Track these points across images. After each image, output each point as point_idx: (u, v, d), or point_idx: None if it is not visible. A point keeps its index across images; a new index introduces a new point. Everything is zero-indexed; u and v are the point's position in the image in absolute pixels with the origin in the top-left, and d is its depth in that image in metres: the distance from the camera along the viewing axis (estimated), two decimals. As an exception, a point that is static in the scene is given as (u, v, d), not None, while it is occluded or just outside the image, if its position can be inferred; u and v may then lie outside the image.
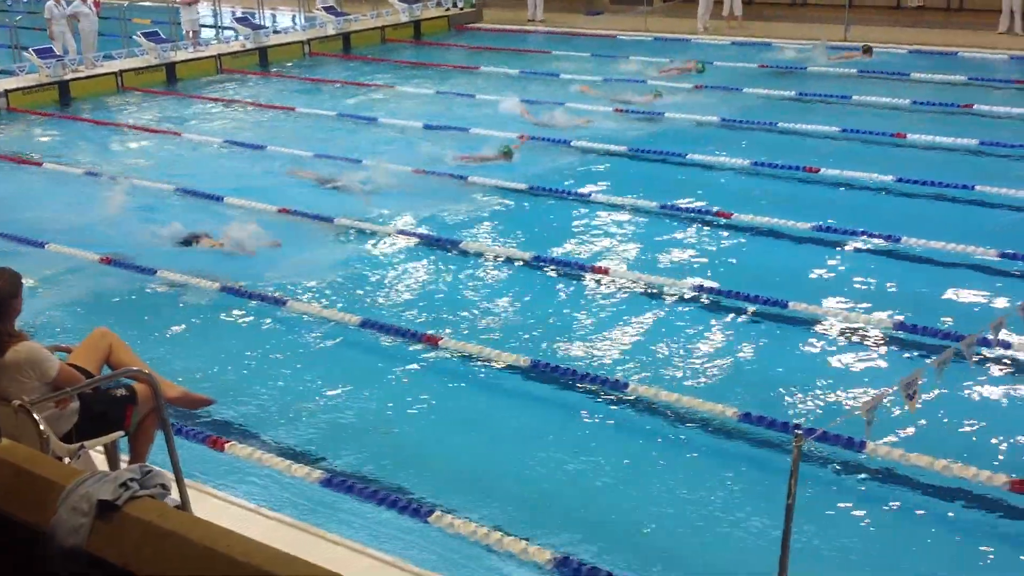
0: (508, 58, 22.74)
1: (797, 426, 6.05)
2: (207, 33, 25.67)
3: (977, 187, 12.25)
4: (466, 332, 9.04)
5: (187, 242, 11.24)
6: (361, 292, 10.06)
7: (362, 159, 14.54)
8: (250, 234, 11.03)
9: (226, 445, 7.18)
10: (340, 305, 9.69)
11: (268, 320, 9.56)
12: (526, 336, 9.00)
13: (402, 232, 11.57)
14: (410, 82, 20.41)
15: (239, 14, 25.86)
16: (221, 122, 17.83)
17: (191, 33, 23.41)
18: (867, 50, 20.26)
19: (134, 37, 21.71)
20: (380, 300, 9.88)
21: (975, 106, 16.35)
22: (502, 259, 10.78)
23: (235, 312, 9.73)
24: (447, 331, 9.01)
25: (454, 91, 19.29)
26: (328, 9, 24.85)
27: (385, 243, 11.43)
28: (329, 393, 8.19)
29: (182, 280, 10.39)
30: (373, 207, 12.47)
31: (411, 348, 8.81)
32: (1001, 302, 9.31)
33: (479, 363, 8.49)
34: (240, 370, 8.62)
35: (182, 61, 21.58)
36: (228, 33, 25.15)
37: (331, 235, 11.69)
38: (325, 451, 7.28)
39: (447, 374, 8.44)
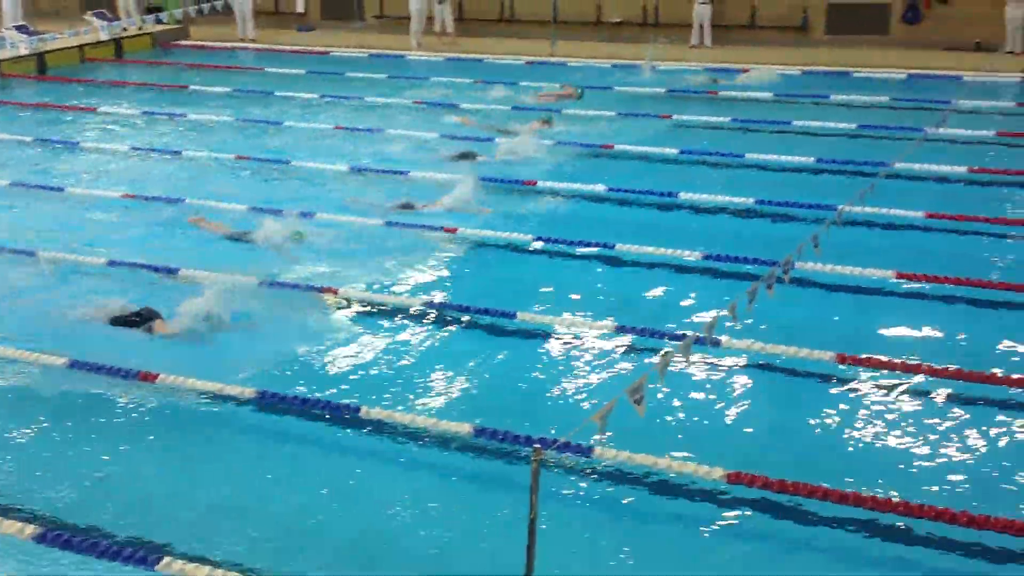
0: (218, 76, 22.09)
1: (535, 439, 6.14)
2: None
3: (680, 194, 12.98)
4: (186, 366, 8.57)
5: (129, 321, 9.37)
6: (69, 328, 9.36)
7: (64, 187, 13.69)
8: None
9: (-78, 509, 6.51)
10: (40, 344, 8.92)
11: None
12: (251, 367, 8.67)
13: (114, 263, 10.89)
14: (113, 103, 19.40)
15: (-85, 32, 23.77)
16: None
17: None
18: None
19: None
20: (90, 335, 9.23)
21: (673, 116, 17.37)
22: (222, 283, 10.34)
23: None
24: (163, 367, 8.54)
25: (163, 111, 18.51)
26: (20, 28, 23.23)
27: (81, 270, 10.71)
28: (33, 439, 7.58)
29: None
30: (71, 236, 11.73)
31: (125, 386, 8.27)
32: (708, 301, 9.88)
33: (202, 398, 8.10)
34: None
35: None
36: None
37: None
38: (35, 503, 6.73)
39: (167, 412, 8.00)
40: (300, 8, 29.02)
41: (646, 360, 8.63)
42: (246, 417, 7.88)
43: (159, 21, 25.29)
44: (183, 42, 26.60)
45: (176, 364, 8.52)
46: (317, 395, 8.03)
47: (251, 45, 26.10)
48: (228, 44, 26.06)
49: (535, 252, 11.30)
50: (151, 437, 7.68)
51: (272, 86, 20.60)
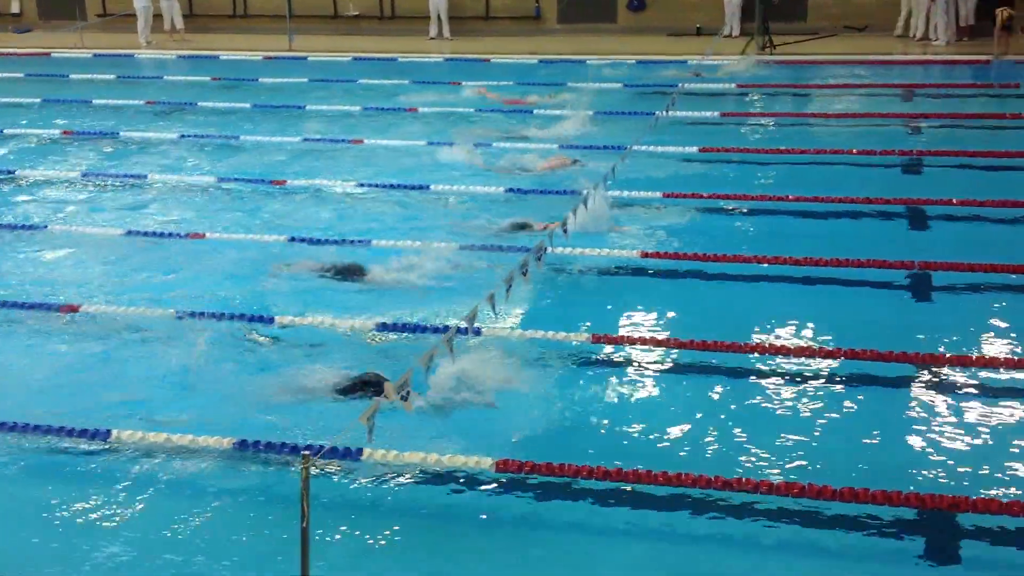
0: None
1: (303, 447, 6.00)
2: None
3: (432, 185, 13.02)
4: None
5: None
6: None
7: None
8: None
9: None
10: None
11: None
12: None
13: None
14: None
15: None
16: None
17: None
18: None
19: None
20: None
21: (420, 110, 17.41)
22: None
23: None
24: None
25: None
26: None
27: None
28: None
29: None
30: None
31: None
32: (467, 291, 9.93)
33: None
34: None
35: None
36: None
37: None
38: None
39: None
40: (15, 9, 27.21)
41: (411, 354, 8.58)
42: None
43: None
44: None
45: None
46: (63, 423, 7.52)
47: (-39, 48, 24.27)
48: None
49: (277, 250, 11.00)
50: None
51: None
